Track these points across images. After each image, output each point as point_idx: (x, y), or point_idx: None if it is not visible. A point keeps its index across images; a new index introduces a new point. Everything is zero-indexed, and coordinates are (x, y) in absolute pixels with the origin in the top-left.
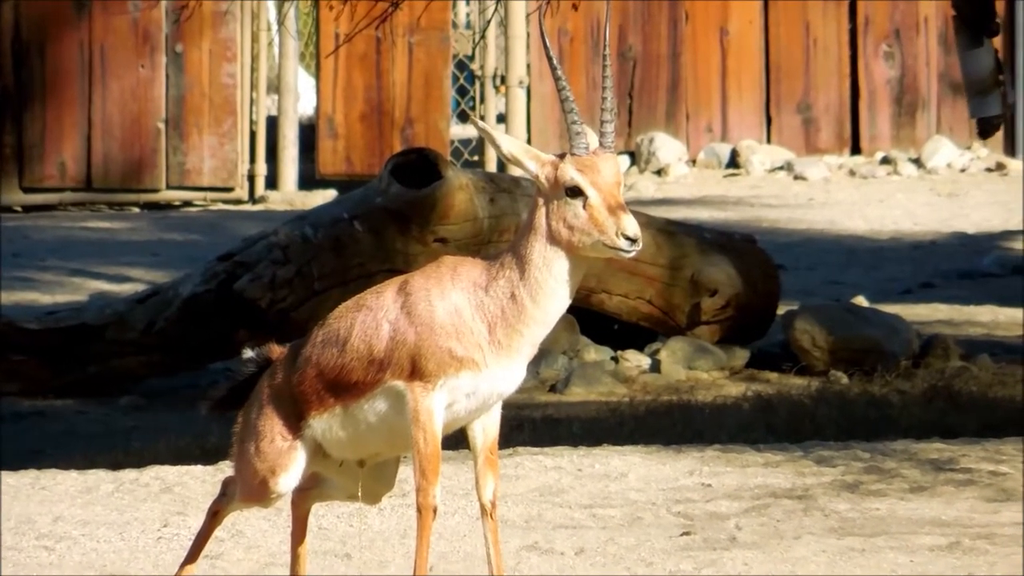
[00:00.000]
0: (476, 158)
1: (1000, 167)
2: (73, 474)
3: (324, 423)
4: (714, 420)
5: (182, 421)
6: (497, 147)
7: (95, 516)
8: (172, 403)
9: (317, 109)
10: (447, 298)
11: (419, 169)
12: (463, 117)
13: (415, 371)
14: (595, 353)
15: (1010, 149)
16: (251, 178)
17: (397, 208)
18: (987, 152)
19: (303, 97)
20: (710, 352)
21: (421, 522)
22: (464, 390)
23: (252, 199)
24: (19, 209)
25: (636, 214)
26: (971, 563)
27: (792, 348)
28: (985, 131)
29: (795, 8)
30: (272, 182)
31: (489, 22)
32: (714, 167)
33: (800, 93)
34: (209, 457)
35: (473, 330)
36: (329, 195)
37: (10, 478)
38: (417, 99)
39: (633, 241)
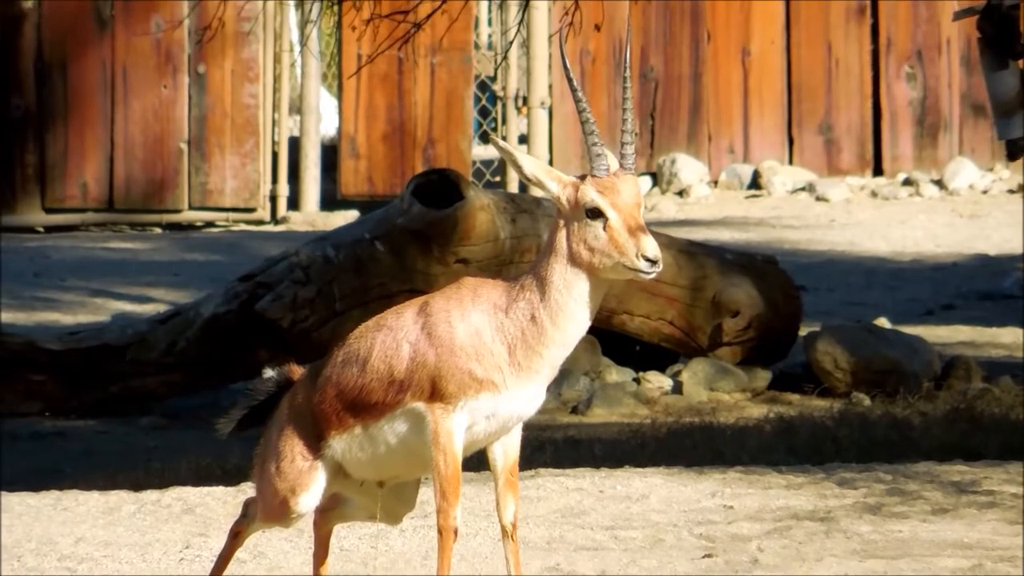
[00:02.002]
0: (498, 179)
1: (1022, 188)
2: (95, 495)
3: (344, 443)
4: (736, 442)
5: (203, 441)
6: (518, 167)
7: (117, 537)
8: (193, 423)
9: (339, 129)
10: (467, 319)
11: (440, 190)
12: (485, 138)
13: (435, 392)
14: (616, 374)
15: None
16: (273, 198)
17: (418, 228)
18: (1009, 173)
19: (325, 117)
20: (732, 373)
21: (442, 543)
22: (484, 412)
23: (274, 219)
24: (41, 229)
25: (657, 235)
26: None
27: (814, 369)
28: (1013, 153)
29: (817, 29)
30: (294, 202)
31: (511, 43)
32: (736, 188)
33: (822, 114)
34: (230, 478)
35: (493, 352)
36: (351, 215)
37: (31, 498)
38: (439, 120)
39: (653, 263)
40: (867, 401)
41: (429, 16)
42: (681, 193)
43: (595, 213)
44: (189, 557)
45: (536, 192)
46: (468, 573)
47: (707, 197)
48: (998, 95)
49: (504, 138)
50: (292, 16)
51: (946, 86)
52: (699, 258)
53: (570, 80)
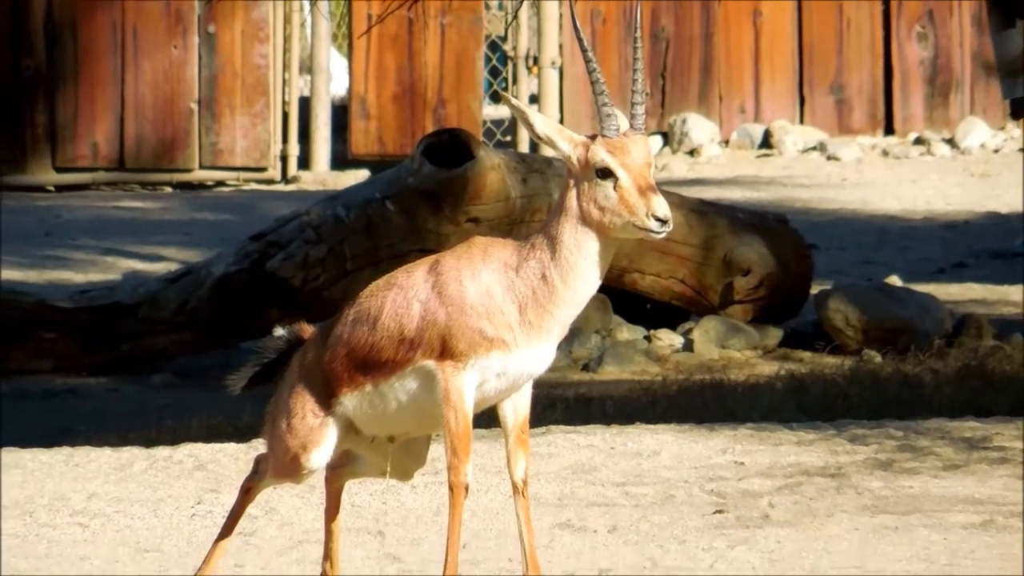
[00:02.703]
0: (508, 138)
1: None
2: (107, 451)
3: (355, 401)
4: (747, 399)
5: (214, 399)
6: (530, 126)
7: (129, 493)
8: (204, 381)
9: (349, 90)
10: (478, 278)
11: (451, 149)
12: (495, 98)
13: (445, 351)
14: (628, 332)
15: None
16: (283, 158)
17: (429, 188)
18: (1020, 132)
19: (336, 78)
20: (743, 331)
21: (453, 500)
22: (494, 370)
23: (284, 179)
24: (52, 188)
25: (668, 194)
26: (1005, 541)
27: (825, 327)
28: (1017, 112)
29: None
30: (304, 162)
31: (522, 3)
32: (747, 147)
33: (833, 74)
34: (242, 435)
35: (504, 311)
36: (361, 175)
37: (44, 455)
38: (449, 80)
39: (663, 222)
40: (878, 359)
41: None
42: (692, 153)
43: (605, 173)
44: (201, 513)
45: (547, 152)
46: (479, 529)
47: (718, 157)
48: (1004, 54)
49: (516, 98)
50: None
51: (957, 46)
52: (710, 217)
53: (580, 40)
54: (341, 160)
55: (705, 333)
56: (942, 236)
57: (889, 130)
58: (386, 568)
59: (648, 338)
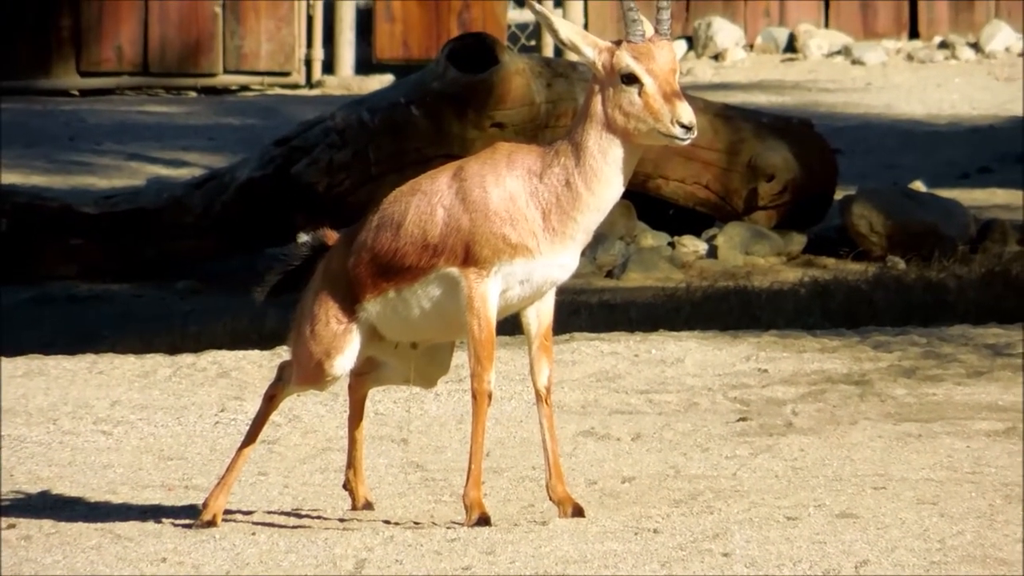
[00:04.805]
0: (533, 43)
1: None
2: (131, 358)
3: (379, 307)
4: (771, 305)
5: (238, 305)
6: (554, 32)
7: (152, 400)
8: (228, 287)
9: None
10: (502, 185)
11: (476, 54)
12: (520, 1)
13: (469, 257)
14: (652, 238)
15: None
16: (308, 62)
17: (454, 93)
18: None
19: None
20: (767, 237)
21: (476, 407)
22: (518, 277)
23: (309, 83)
24: (76, 93)
25: (692, 99)
26: None
27: (849, 233)
28: None
29: None
30: (329, 66)
31: None
32: (772, 51)
33: None
34: (266, 341)
35: (527, 217)
36: (386, 80)
37: (67, 362)
38: None
39: (688, 128)
40: (902, 264)
41: None
42: (717, 57)
43: (630, 79)
44: (224, 420)
45: (572, 57)
46: (502, 437)
47: (743, 61)
48: None
49: (540, 2)
50: None
51: None
52: (735, 122)
53: None
54: (366, 64)
55: (729, 239)
56: (967, 140)
57: (914, 34)
58: (409, 475)
59: (672, 244)
